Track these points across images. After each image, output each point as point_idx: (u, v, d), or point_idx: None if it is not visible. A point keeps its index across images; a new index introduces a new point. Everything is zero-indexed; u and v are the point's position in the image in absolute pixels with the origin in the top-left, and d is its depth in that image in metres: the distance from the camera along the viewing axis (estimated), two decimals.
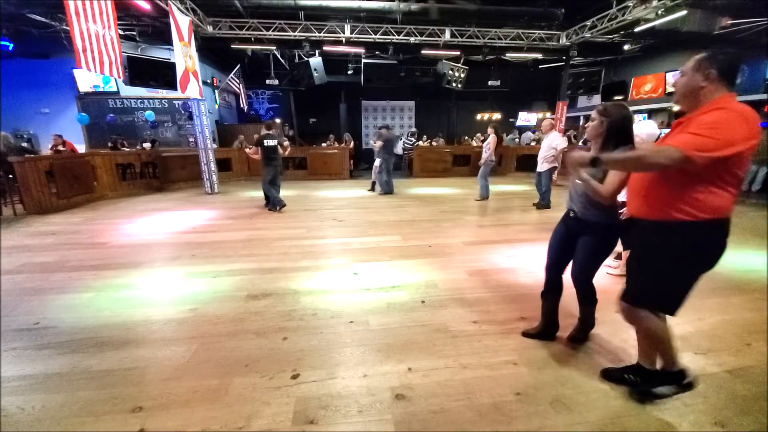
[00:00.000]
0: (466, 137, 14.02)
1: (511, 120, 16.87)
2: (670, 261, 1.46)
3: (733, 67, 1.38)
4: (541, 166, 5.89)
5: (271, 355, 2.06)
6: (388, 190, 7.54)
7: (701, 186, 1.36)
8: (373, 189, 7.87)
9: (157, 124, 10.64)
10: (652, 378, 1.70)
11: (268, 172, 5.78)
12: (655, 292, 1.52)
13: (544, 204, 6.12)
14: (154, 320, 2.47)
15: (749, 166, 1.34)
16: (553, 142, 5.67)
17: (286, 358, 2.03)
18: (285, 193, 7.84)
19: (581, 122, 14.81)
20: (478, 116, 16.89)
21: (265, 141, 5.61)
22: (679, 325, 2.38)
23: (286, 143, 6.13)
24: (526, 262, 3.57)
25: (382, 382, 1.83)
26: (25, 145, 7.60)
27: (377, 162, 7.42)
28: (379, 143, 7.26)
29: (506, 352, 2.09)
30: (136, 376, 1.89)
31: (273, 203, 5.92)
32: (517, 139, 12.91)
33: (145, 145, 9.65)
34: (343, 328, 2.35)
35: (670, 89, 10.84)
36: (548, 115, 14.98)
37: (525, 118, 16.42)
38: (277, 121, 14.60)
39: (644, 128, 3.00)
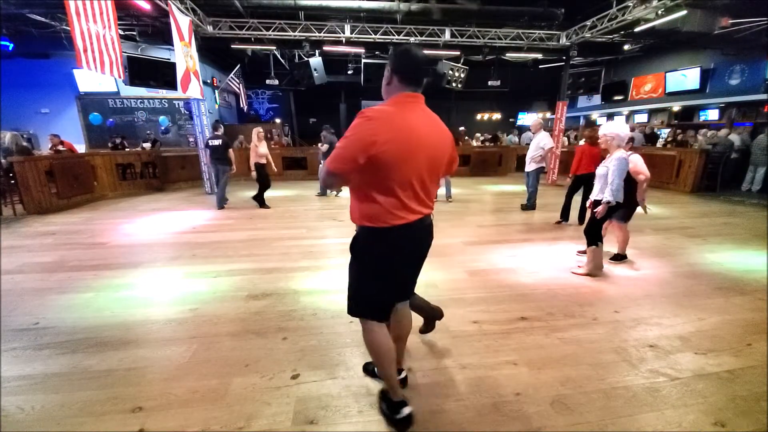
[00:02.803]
0: (467, 137, 14.02)
1: (511, 120, 16.88)
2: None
3: (404, 62, 1.31)
4: (529, 166, 5.77)
5: (271, 355, 2.05)
6: (323, 192, 7.49)
7: (360, 194, 1.36)
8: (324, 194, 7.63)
9: (168, 130, 10.69)
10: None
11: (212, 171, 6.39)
12: None
13: (529, 205, 5.96)
14: (154, 320, 2.46)
15: (404, 172, 1.29)
16: (541, 142, 5.58)
17: (286, 358, 2.03)
18: (285, 192, 7.87)
19: (581, 122, 14.83)
20: (478, 116, 16.92)
21: (209, 141, 6.15)
22: (680, 325, 2.39)
23: (232, 151, 6.28)
24: (527, 262, 3.56)
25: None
26: (25, 144, 7.58)
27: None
28: (325, 146, 7.08)
29: (506, 352, 2.09)
30: (136, 376, 1.89)
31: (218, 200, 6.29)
32: (516, 139, 12.90)
33: (145, 145, 9.64)
34: (343, 328, 2.35)
35: (670, 89, 10.85)
36: (548, 115, 14.99)
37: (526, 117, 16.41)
38: (277, 121, 14.62)
39: (614, 128, 2.93)
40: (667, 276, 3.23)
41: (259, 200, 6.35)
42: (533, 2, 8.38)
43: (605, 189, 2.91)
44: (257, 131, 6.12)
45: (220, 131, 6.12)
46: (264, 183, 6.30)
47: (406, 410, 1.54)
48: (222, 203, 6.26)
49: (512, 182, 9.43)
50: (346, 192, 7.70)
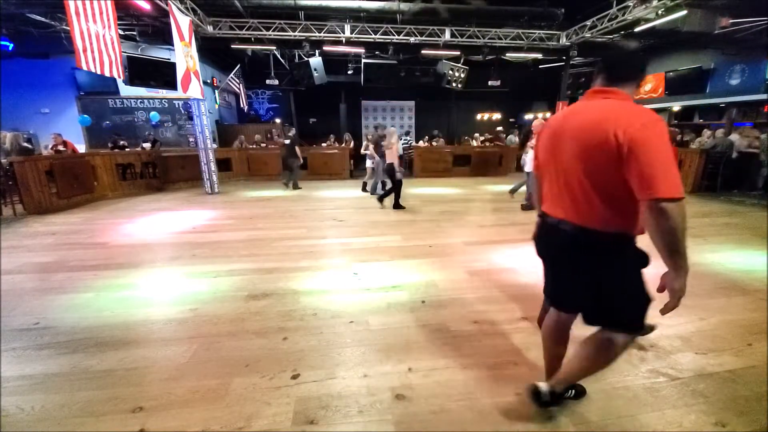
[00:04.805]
0: (466, 137, 14.03)
1: (511, 120, 16.88)
2: None
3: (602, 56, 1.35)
4: (528, 167, 5.83)
5: (271, 355, 2.05)
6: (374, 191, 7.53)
7: None
8: (375, 191, 7.80)
9: (158, 125, 10.67)
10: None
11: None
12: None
13: (529, 205, 5.93)
14: (154, 320, 2.46)
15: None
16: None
17: (286, 358, 2.03)
18: (284, 192, 7.89)
19: None
20: (478, 116, 16.90)
21: (284, 141, 8.30)
22: (681, 325, 2.39)
23: (298, 148, 8.06)
24: (527, 261, 3.56)
25: (383, 382, 1.83)
26: (26, 144, 7.58)
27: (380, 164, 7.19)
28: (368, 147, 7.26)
29: (507, 352, 2.09)
30: (136, 376, 1.89)
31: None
32: (516, 139, 12.87)
33: (145, 145, 9.64)
34: (344, 328, 2.35)
35: (670, 89, 10.84)
36: (548, 115, 14.98)
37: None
38: (277, 121, 14.62)
39: None
40: None
41: (383, 199, 6.23)
42: (533, 2, 8.39)
43: None
44: (393, 131, 6.08)
45: (291, 133, 8.00)
46: (397, 183, 6.16)
47: (543, 386, 1.52)
48: (295, 186, 8.17)
49: (512, 182, 9.41)
50: (343, 191, 7.70)
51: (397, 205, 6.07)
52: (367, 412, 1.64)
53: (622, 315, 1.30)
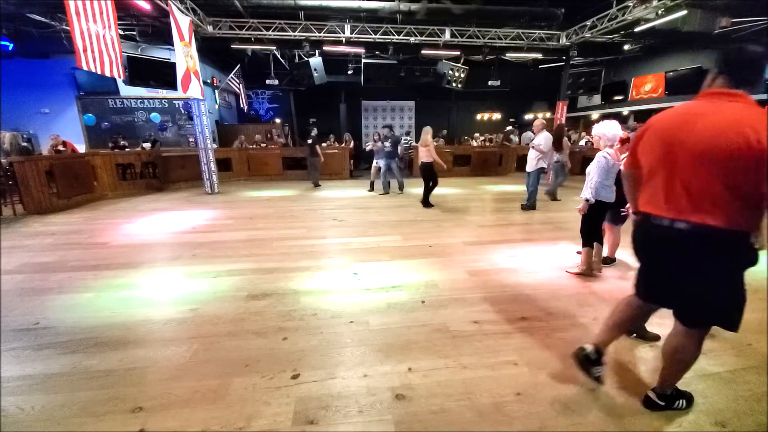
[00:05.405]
0: (466, 137, 14.04)
1: (511, 120, 16.89)
2: None
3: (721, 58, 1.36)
4: (529, 167, 5.81)
5: (272, 355, 2.05)
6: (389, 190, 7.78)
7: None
8: (401, 190, 7.94)
9: (165, 127, 10.69)
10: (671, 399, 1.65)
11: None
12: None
13: (529, 205, 5.94)
14: (154, 320, 2.46)
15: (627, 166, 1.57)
16: (540, 143, 5.58)
17: (287, 358, 2.03)
18: (284, 192, 7.89)
19: (581, 123, 14.81)
20: (478, 116, 16.90)
21: (307, 140, 8.72)
22: None
23: (318, 147, 8.58)
24: (527, 262, 3.56)
25: (383, 382, 1.83)
26: (25, 144, 7.58)
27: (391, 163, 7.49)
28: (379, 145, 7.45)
29: (507, 352, 2.09)
30: (136, 376, 1.89)
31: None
32: (516, 139, 12.88)
33: (145, 145, 9.64)
34: (344, 328, 2.35)
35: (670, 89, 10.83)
36: (548, 115, 14.99)
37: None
38: (277, 121, 14.62)
39: (601, 128, 2.91)
40: None
41: (427, 203, 6.37)
42: (533, 2, 8.38)
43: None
44: (429, 130, 6.38)
45: (313, 133, 8.47)
46: (435, 182, 6.35)
47: (588, 347, 1.72)
48: (316, 184, 8.69)
49: (512, 182, 9.42)
50: (343, 191, 7.72)
51: (426, 203, 6.29)
52: (367, 412, 1.64)
53: (726, 313, 1.40)
